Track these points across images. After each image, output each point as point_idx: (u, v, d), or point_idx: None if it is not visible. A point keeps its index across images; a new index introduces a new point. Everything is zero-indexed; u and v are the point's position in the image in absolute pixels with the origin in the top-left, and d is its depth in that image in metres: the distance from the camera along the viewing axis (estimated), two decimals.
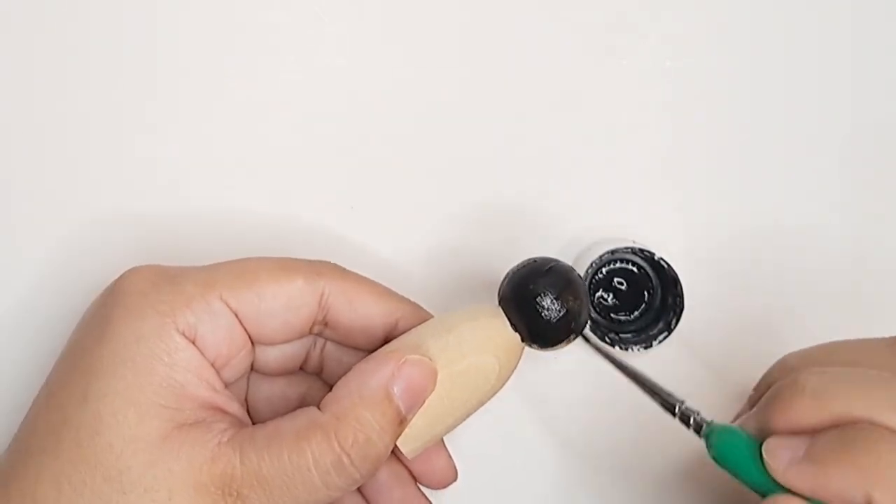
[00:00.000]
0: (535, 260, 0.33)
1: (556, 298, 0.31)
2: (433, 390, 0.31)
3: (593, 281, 0.39)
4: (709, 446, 0.31)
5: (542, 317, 0.31)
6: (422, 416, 0.31)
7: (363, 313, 0.33)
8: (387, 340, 0.33)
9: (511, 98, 0.40)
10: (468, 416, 0.32)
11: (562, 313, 0.31)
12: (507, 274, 0.33)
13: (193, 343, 0.31)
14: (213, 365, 0.31)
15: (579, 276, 0.32)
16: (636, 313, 0.39)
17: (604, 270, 0.39)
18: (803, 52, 0.40)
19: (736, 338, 0.39)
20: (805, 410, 0.29)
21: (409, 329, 0.33)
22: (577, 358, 0.40)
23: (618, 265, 0.39)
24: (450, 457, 0.35)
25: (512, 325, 0.32)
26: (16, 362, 0.38)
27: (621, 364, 0.34)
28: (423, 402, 0.31)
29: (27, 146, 0.39)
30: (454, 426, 0.33)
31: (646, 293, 0.39)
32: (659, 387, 0.33)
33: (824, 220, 0.40)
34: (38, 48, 0.39)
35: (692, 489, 0.40)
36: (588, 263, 0.37)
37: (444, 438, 0.34)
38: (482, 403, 0.32)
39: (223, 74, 0.39)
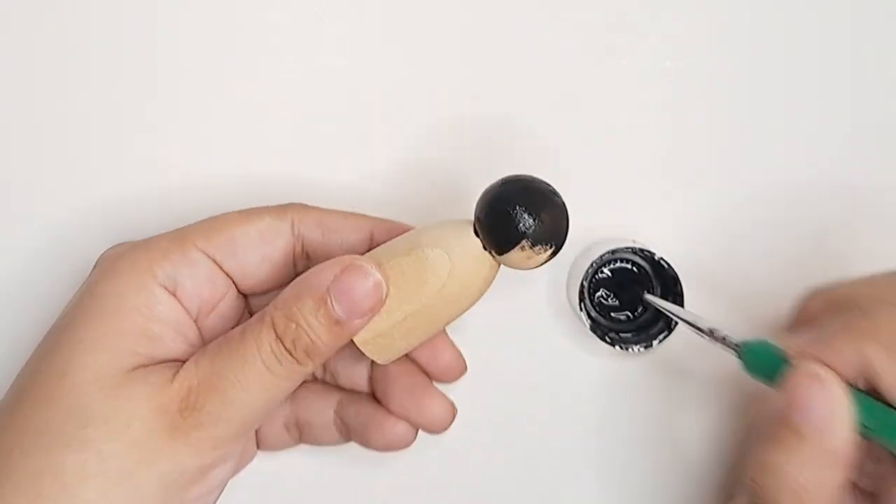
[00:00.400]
0: (507, 177, 0.31)
1: (527, 212, 0.30)
2: (379, 299, 0.31)
3: (593, 280, 0.39)
4: (743, 360, 0.32)
5: (509, 228, 0.30)
6: None
7: (336, 231, 0.34)
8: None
9: (511, 98, 0.40)
10: (427, 318, 0.32)
11: (532, 226, 0.30)
12: (482, 192, 0.32)
13: (174, 295, 0.31)
14: (196, 316, 0.32)
15: (557, 194, 0.31)
16: (636, 313, 0.39)
17: (604, 270, 0.39)
18: (803, 52, 0.40)
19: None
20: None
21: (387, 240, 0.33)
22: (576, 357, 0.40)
23: (618, 265, 0.39)
24: (455, 348, 0.36)
25: (483, 241, 0.31)
26: (7, 346, 0.38)
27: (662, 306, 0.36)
28: (368, 309, 0.31)
29: (27, 142, 0.39)
30: (416, 327, 0.32)
31: (646, 293, 0.39)
32: (697, 317, 0.35)
33: (825, 219, 0.40)
34: (38, 48, 0.39)
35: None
36: (588, 263, 0.37)
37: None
38: (437, 306, 0.31)
39: (223, 74, 0.39)
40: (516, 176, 0.31)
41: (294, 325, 0.30)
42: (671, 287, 0.38)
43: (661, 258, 0.37)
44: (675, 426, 0.40)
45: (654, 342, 0.38)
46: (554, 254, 0.31)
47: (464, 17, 0.40)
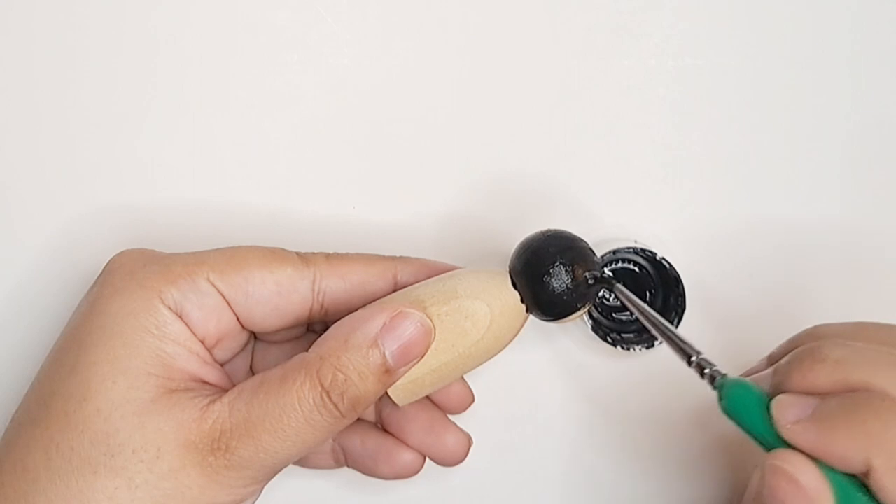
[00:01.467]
0: (548, 231, 0.32)
1: (566, 269, 0.31)
2: (428, 346, 0.31)
3: None
4: (720, 398, 0.30)
5: (548, 285, 0.31)
6: None
7: (358, 282, 0.33)
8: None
9: (512, 98, 0.40)
10: (458, 367, 0.32)
11: (569, 285, 0.31)
12: (520, 243, 0.32)
13: (181, 318, 0.31)
14: (202, 342, 0.32)
15: (593, 251, 0.32)
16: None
17: (605, 270, 0.39)
18: (805, 51, 0.40)
19: (738, 337, 0.39)
20: (824, 375, 0.29)
21: (412, 283, 0.33)
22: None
23: (619, 265, 0.39)
24: (464, 381, 0.36)
25: (519, 294, 0.32)
26: (11, 351, 0.38)
27: (644, 310, 0.33)
28: (417, 356, 0.31)
29: (27, 137, 0.39)
30: (445, 375, 0.32)
31: (647, 293, 0.39)
32: (679, 336, 0.32)
33: (826, 219, 0.40)
34: (40, 45, 0.39)
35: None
36: None
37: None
38: (471, 356, 0.32)
39: (226, 74, 0.39)
40: (556, 231, 0.32)
41: (343, 377, 0.29)
42: (673, 287, 0.37)
43: (663, 258, 0.37)
44: (677, 426, 0.40)
45: (656, 342, 0.38)
46: (587, 310, 0.32)
47: (464, 17, 0.40)
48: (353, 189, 0.40)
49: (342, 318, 0.33)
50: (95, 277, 0.33)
